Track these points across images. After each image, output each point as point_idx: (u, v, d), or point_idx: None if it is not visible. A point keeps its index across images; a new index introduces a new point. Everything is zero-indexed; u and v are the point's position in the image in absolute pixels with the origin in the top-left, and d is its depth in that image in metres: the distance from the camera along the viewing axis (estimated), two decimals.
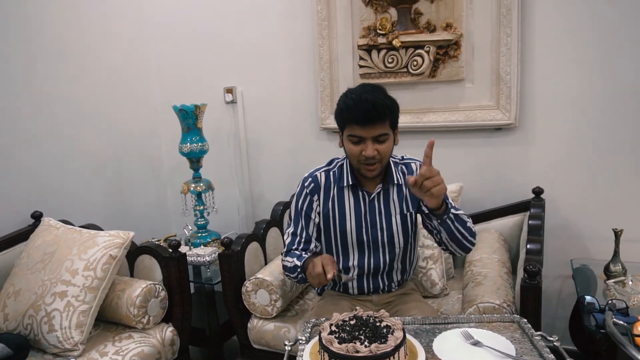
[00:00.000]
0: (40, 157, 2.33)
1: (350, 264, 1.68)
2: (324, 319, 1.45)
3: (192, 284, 2.33)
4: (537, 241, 1.75)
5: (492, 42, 2.20)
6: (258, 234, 2.16)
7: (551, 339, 1.26)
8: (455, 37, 2.23)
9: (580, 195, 2.21)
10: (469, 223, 1.54)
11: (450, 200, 1.55)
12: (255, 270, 2.04)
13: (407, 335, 1.25)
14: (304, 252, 1.64)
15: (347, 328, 1.25)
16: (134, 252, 2.04)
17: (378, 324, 1.26)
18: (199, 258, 2.29)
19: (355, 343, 1.16)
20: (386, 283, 1.72)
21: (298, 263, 1.57)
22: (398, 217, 1.66)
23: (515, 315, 1.41)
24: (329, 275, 1.38)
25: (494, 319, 1.41)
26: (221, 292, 2.06)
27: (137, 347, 1.77)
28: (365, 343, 1.16)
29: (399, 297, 1.74)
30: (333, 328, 1.25)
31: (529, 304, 1.49)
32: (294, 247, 1.66)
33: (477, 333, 1.30)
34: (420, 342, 1.29)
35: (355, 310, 1.32)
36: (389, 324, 1.25)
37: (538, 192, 2.17)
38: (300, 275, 1.58)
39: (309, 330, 1.41)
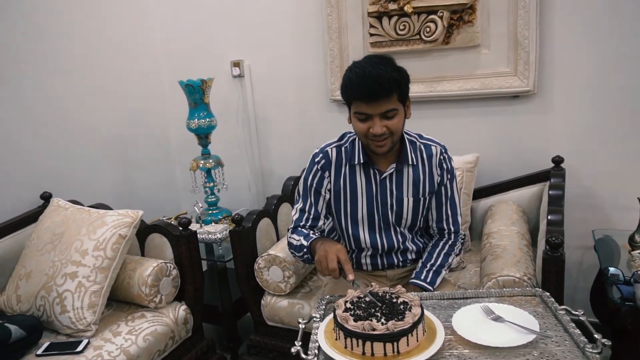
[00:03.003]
0: (49, 138, 2.29)
1: (362, 243, 1.62)
2: (338, 295, 1.42)
3: (204, 262, 2.32)
4: (558, 212, 1.68)
5: (509, 4, 2.09)
6: (269, 209, 2.12)
7: (576, 313, 1.21)
8: (470, 1, 2.12)
9: (602, 164, 2.13)
10: (447, 266, 1.64)
11: (425, 283, 1.57)
12: (267, 247, 2.00)
13: (425, 311, 1.21)
14: (311, 231, 1.59)
15: (363, 305, 1.20)
16: (143, 231, 2.01)
17: (395, 300, 1.22)
18: (210, 235, 2.26)
19: (371, 320, 1.12)
20: (400, 259, 1.67)
21: (305, 243, 1.52)
22: (411, 199, 1.58)
23: (537, 288, 1.36)
24: (350, 277, 1.33)
25: (515, 293, 1.36)
26: (234, 269, 2.03)
27: (150, 326, 1.76)
28: (382, 320, 1.12)
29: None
30: (348, 305, 1.21)
31: (551, 277, 1.44)
32: (301, 224, 1.61)
33: (498, 308, 1.25)
34: (439, 317, 1.24)
35: (371, 286, 1.28)
36: (406, 300, 1.21)
37: (558, 161, 2.09)
38: (306, 256, 1.53)
39: (323, 307, 1.37)
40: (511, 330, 1.16)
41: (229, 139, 2.83)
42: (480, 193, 2.26)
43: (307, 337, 1.21)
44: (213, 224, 2.38)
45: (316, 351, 1.15)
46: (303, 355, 1.13)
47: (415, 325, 1.10)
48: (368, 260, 1.67)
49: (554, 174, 2.01)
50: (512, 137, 2.25)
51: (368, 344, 1.09)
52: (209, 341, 2.01)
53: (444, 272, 1.61)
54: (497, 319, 1.21)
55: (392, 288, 1.26)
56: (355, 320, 1.12)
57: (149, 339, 1.71)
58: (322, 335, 1.19)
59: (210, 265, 2.57)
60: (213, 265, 2.27)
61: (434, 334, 1.15)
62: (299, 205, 1.64)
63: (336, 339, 1.16)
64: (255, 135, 2.79)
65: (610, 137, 2.09)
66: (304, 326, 1.26)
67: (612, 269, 1.65)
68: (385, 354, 1.08)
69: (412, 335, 1.10)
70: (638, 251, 1.76)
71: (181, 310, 1.89)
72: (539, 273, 1.54)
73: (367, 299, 1.22)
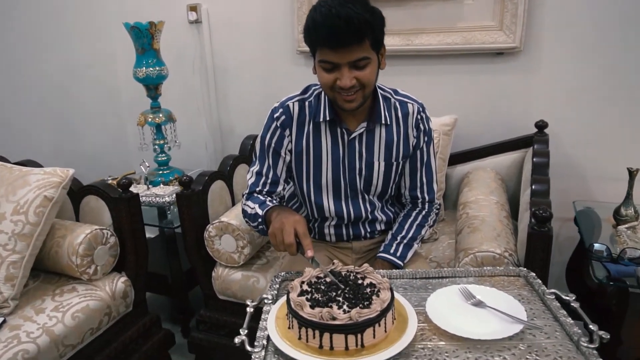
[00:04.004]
0: None
1: (326, 211, 1.43)
2: (295, 272, 1.23)
3: (154, 228, 2.09)
4: (543, 181, 1.51)
5: None
6: (224, 171, 1.89)
7: (567, 298, 1.05)
8: None
9: (588, 131, 1.96)
10: (419, 239, 1.48)
11: (395, 258, 1.40)
12: (221, 213, 1.78)
13: (395, 294, 1.02)
14: (268, 198, 1.38)
15: (322, 287, 1.01)
16: (78, 193, 1.76)
17: (360, 281, 1.03)
18: (157, 199, 2.02)
19: (331, 307, 0.93)
20: (368, 230, 1.49)
21: (260, 212, 1.31)
22: (382, 164, 1.39)
23: (521, 268, 1.19)
24: (309, 254, 1.13)
25: (497, 273, 1.19)
26: None
27: (81, 301, 1.53)
28: (345, 307, 0.93)
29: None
30: (305, 287, 1.01)
31: (536, 254, 1.27)
32: (257, 189, 1.40)
33: (479, 290, 1.08)
34: (410, 301, 1.07)
35: (333, 264, 1.09)
36: (373, 281, 1.02)
37: (542, 126, 1.92)
38: (261, 227, 1.32)
39: (277, 286, 1.17)
40: (494, 318, 1.00)
41: (184, 92, 2.56)
42: (457, 158, 2.08)
43: (259, 314, 1.03)
44: (162, 185, 2.14)
45: (264, 342, 0.95)
46: (248, 348, 0.93)
47: (383, 313, 0.92)
48: (332, 231, 1.48)
49: (537, 139, 1.85)
50: (494, 98, 2.06)
51: (327, 335, 0.90)
52: (154, 316, 1.80)
53: (415, 245, 1.44)
54: (478, 304, 1.04)
55: (357, 267, 1.08)
56: (312, 307, 0.93)
57: (79, 316, 1.49)
58: (273, 322, 0.99)
59: (161, 230, 2.34)
60: (164, 231, 2.04)
61: (404, 323, 0.97)
62: (255, 168, 1.43)
63: (289, 327, 0.97)
64: (213, 88, 2.53)
65: (598, 102, 1.92)
66: (252, 309, 1.07)
67: (597, 245, 1.51)
68: (346, 348, 0.90)
69: (379, 325, 0.91)
70: (625, 226, 1.62)
71: (120, 282, 1.67)
72: (521, 249, 1.38)
73: (328, 279, 1.03)
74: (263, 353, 0.93)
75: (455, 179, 2.08)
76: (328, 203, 1.42)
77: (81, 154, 2.46)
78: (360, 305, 0.93)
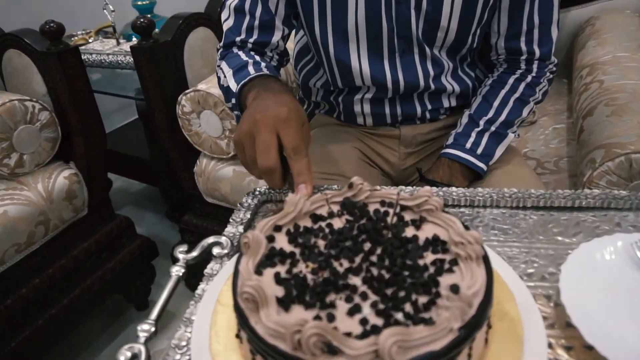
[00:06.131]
0: None
1: (357, 76, 0.81)
2: (287, 187, 0.65)
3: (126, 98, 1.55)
4: None
5: None
6: (209, 14, 1.26)
7: None
8: None
9: None
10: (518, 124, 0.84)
11: (474, 158, 0.80)
12: (204, 76, 1.19)
13: (494, 265, 0.44)
14: (256, 57, 0.78)
15: (320, 243, 0.43)
16: None
17: (411, 234, 0.44)
18: (127, 57, 1.44)
19: (333, 305, 0.36)
20: (429, 108, 0.87)
21: (233, 86, 0.72)
22: None
23: None
24: (304, 190, 0.54)
25: None
26: None
27: None
28: (367, 308, 0.36)
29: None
30: (281, 242, 0.44)
31: None
32: (239, 39, 0.80)
33: None
34: (518, 270, 0.49)
35: (350, 187, 0.49)
36: (442, 235, 0.43)
37: None
38: (235, 112, 0.75)
39: (248, 216, 0.61)
40: None
41: None
42: None
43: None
44: (135, 39, 1.55)
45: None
46: None
47: (468, 336, 0.34)
48: (367, 109, 0.88)
49: None
50: None
51: None
52: (123, 221, 1.31)
53: (511, 135, 0.83)
54: None
55: (405, 189, 0.48)
56: (285, 304, 0.37)
57: None
58: (209, 315, 0.44)
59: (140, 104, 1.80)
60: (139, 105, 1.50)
61: (514, 338, 0.40)
62: (232, 1, 0.80)
63: (238, 336, 0.41)
64: None
65: None
66: (179, 274, 0.52)
67: None
68: None
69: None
70: None
71: (62, 177, 1.16)
72: None
73: (337, 225, 0.45)
74: None
75: (567, 30, 1.36)
76: (359, 62, 0.81)
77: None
78: (407, 309, 0.36)
